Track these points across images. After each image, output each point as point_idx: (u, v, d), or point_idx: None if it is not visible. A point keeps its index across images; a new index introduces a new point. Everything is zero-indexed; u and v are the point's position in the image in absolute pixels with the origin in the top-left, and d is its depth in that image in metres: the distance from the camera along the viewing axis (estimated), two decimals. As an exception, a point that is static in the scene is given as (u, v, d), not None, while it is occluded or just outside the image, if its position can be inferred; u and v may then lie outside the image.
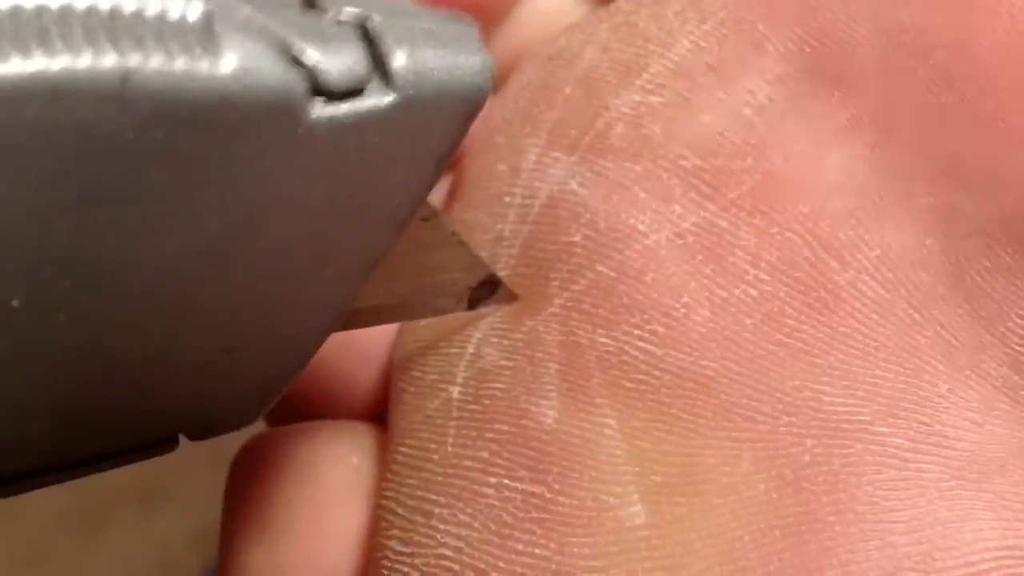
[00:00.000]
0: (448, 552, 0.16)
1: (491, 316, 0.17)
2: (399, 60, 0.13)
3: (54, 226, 0.11)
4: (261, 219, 0.12)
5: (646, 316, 0.16)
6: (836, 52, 0.16)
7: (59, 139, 0.10)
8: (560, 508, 0.15)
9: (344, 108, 0.12)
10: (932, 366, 0.16)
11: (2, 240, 0.10)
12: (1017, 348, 0.16)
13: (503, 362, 0.16)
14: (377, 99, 0.12)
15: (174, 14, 0.10)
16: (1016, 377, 0.16)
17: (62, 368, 0.12)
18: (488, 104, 0.19)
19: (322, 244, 0.13)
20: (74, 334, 0.12)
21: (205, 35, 0.11)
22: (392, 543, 0.16)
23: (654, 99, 0.17)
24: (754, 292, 0.16)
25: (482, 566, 0.15)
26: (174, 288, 0.12)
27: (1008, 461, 0.15)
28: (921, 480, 0.15)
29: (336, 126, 0.12)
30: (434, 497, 0.16)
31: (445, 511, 0.16)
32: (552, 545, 0.15)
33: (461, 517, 0.16)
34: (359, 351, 0.18)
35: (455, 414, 0.16)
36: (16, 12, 0.10)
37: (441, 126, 0.13)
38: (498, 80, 0.20)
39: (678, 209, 0.16)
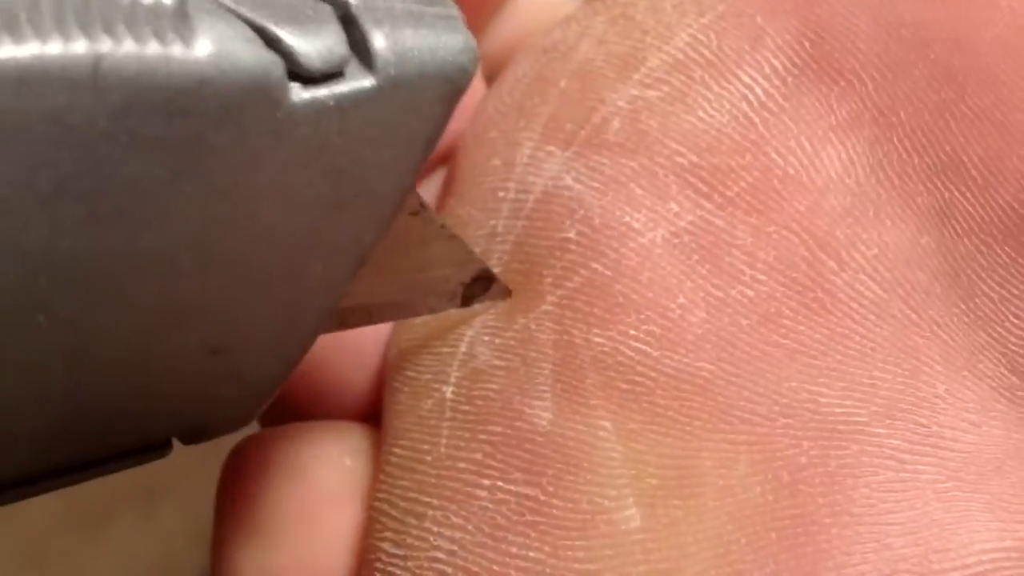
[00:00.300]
0: (441, 555, 0.15)
1: (484, 313, 0.17)
2: (379, 42, 0.12)
3: (29, 221, 0.10)
4: (243, 210, 0.12)
5: (642, 316, 0.16)
6: (835, 46, 0.16)
7: (30, 129, 0.10)
8: (554, 511, 0.15)
9: (324, 91, 0.12)
10: (929, 366, 0.15)
11: None
12: (1014, 348, 0.15)
13: (496, 361, 0.16)
14: (358, 82, 0.12)
15: None
16: (1013, 377, 0.15)
17: (45, 372, 0.12)
18: (482, 98, 0.19)
19: (308, 236, 0.13)
20: (54, 336, 0.11)
21: (179, 19, 0.10)
22: (385, 545, 0.16)
23: (651, 94, 0.17)
24: (751, 292, 0.16)
25: (475, 569, 0.15)
26: (155, 285, 0.12)
27: (1005, 462, 0.15)
28: (918, 482, 0.15)
29: (316, 110, 0.12)
30: (427, 499, 0.16)
31: (438, 513, 0.16)
32: (546, 548, 0.15)
33: (454, 520, 0.16)
34: (353, 351, 0.18)
35: (448, 415, 0.16)
36: None
37: (425, 108, 0.13)
38: (494, 73, 0.20)
39: (674, 207, 0.16)
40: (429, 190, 0.20)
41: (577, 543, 0.15)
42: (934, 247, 0.16)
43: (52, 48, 0.10)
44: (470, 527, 0.15)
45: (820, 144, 0.16)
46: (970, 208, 0.16)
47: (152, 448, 0.14)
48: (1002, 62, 0.15)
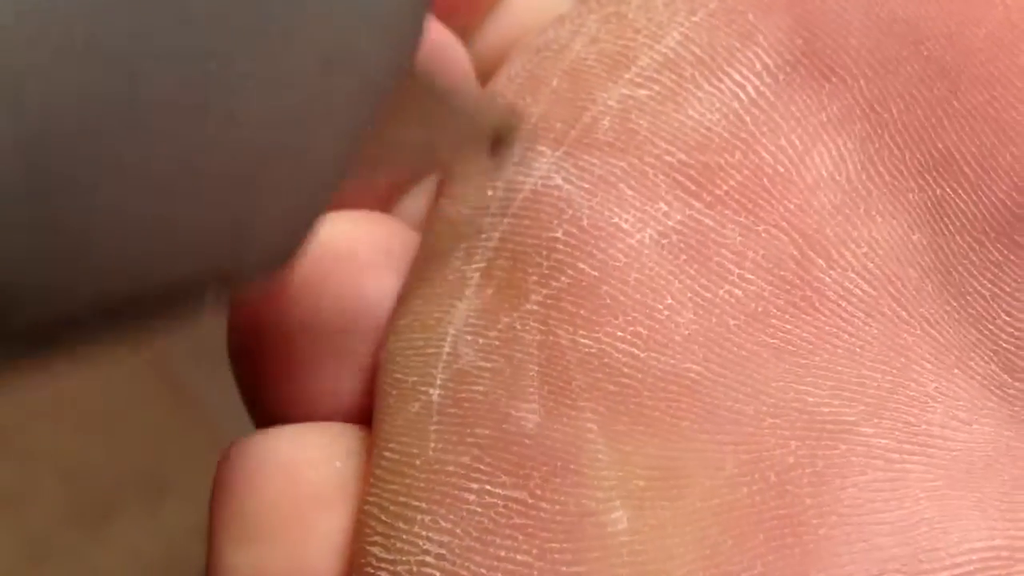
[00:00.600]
0: (430, 559, 0.15)
1: (465, 311, 0.17)
2: None
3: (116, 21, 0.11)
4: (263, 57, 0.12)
5: (629, 317, 0.16)
6: (827, 43, 0.16)
7: None
8: (542, 514, 0.15)
9: None
10: (919, 364, 0.15)
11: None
12: (1005, 345, 0.15)
13: (481, 363, 0.16)
14: None
15: None
16: (1004, 375, 0.15)
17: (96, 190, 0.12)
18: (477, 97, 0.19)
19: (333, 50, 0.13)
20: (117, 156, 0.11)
21: None
22: (375, 550, 0.16)
23: (642, 93, 0.17)
24: (739, 292, 0.16)
25: (464, 573, 0.15)
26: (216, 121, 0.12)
27: (996, 460, 0.15)
28: (907, 481, 0.15)
29: None
30: (416, 503, 0.16)
31: (427, 517, 0.16)
32: (534, 551, 0.15)
33: (443, 524, 0.16)
34: (346, 354, 0.18)
35: (435, 418, 0.16)
36: None
37: None
38: (488, 73, 0.20)
39: (663, 207, 0.16)
40: (425, 193, 0.20)
41: (564, 546, 0.15)
42: (925, 244, 0.16)
43: None
44: (459, 531, 0.15)
45: (811, 141, 0.16)
46: (962, 205, 0.15)
47: (184, 296, 0.14)
48: (996, 59, 0.15)
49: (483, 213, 0.17)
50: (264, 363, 0.18)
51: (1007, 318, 0.15)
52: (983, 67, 0.15)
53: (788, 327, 0.15)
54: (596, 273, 0.16)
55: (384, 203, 0.20)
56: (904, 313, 0.15)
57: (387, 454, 0.17)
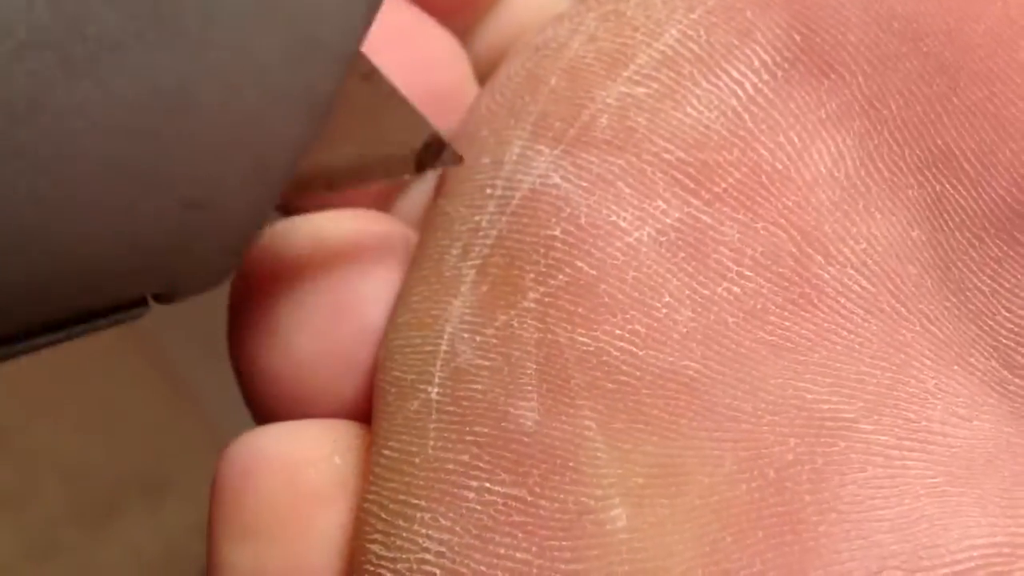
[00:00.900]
0: (430, 557, 0.15)
1: (461, 308, 0.17)
2: None
3: (8, 68, 0.10)
4: (209, 59, 0.12)
5: (627, 316, 0.16)
6: (825, 40, 0.16)
7: None
8: (541, 512, 0.15)
9: None
10: (919, 361, 0.15)
11: None
12: (1005, 341, 0.15)
13: (479, 360, 0.16)
14: None
15: None
16: (1004, 371, 0.15)
17: (19, 219, 0.12)
18: (475, 97, 0.19)
19: (266, 84, 0.13)
20: (31, 184, 0.11)
21: None
22: (374, 547, 0.16)
23: (640, 91, 0.17)
24: (737, 289, 0.16)
25: (464, 571, 0.15)
26: (132, 136, 0.12)
27: (996, 456, 0.15)
28: (907, 477, 0.15)
29: None
30: (416, 501, 0.16)
31: (427, 515, 0.16)
32: (533, 549, 0.15)
33: (443, 521, 0.16)
34: (345, 353, 0.18)
35: (434, 416, 0.16)
36: None
37: None
38: (487, 72, 0.20)
39: (661, 204, 0.16)
40: (423, 191, 0.20)
41: (564, 543, 0.15)
42: (925, 240, 0.16)
43: None
44: (458, 529, 0.15)
45: (809, 138, 0.16)
46: (962, 201, 0.15)
47: (128, 306, 0.14)
48: (995, 55, 0.15)
49: (481, 211, 0.17)
50: (264, 361, 0.18)
51: (1007, 314, 0.15)
52: (982, 63, 0.15)
53: (787, 324, 0.15)
54: (594, 271, 0.16)
55: (382, 201, 0.20)
56: (903, 309, 0.15)
57: (386, 452, 0.17)
